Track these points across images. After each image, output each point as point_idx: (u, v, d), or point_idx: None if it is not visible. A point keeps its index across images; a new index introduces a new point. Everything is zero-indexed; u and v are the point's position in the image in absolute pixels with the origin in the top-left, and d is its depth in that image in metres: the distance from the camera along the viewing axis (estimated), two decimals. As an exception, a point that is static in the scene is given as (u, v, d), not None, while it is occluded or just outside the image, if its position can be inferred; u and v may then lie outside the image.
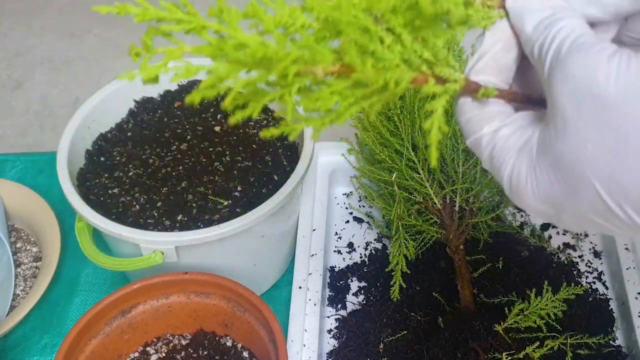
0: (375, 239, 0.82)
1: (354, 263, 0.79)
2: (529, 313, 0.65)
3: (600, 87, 0.26)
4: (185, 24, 0.30)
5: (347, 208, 0.86)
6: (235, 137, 0.78)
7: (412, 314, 0.70)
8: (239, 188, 0.72)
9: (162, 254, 0.66)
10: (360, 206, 0.85)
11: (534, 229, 0.80)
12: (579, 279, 0.76)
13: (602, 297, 0.74)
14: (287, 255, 0.79)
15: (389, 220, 0.78)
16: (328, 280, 0.77)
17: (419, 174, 0.71)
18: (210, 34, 0.30)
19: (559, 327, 0.66)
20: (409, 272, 0.72)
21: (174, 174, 0.74)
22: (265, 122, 0.80)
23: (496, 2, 0.33)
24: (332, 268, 0.78)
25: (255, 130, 0.79)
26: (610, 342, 0.69)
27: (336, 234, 0.83)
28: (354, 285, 0.77)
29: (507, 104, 0.33)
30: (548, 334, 0.65)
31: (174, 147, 0.77)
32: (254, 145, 0.77)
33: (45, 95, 1.89)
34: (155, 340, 0.70)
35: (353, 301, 0.75)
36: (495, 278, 0.73)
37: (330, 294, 0.76)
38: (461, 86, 0.31)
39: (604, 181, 0.26)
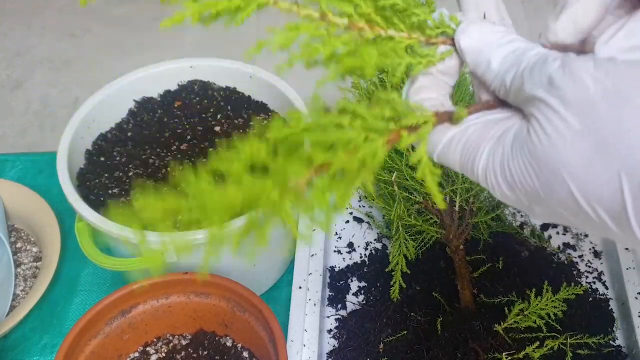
0: (375, 239, 0.82)
1: (354, 263, 0.79)
2: (529, 313, 0.65)
3: (585, 92, 0.27)
4: None
5: (347, 208, 0.86)
6: (235, 137, 0.78)
7: (412, 314, 0.70)
8: (239, 188, 0.72)
9: (163, 254, 0.66)
10: (360, 206, 0.85)
11: (534, 229, 0.80)
12: (579, 279, 0.76)
13: (602, 297, 0.74)
14: (287, 255, 0.79)
15: (389, 220, 0.78)
16: (328, 280, 0.77)
17: (419, 174, 0.71)
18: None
19: (559, 327, 0.66)
20: (409, 272, 0.72)
21: (174, 174, 0.74)
22: (265, 122, 0.80)
23: (439, 39, 0.33)
24: (332, 268, 0.78)
25: (256, 130, 0.79)
26: (610, 342, 0.69)
27: (336, 234, 0.83)
28: (354, 285, 0.77)
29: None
30: (548, 334, 0.65)
31: (174, 147, 0.77)
32: (254, 145, 0.77)
33: (45, 95, 1.89)
34: (155, 340, 0.70)
35: (353, 301, 0.75)
36: (495, 278, 0.73)
37: (330, 294, 0.76)
38: (433, 123, 0.32)
39: (579, 182, 0.27)
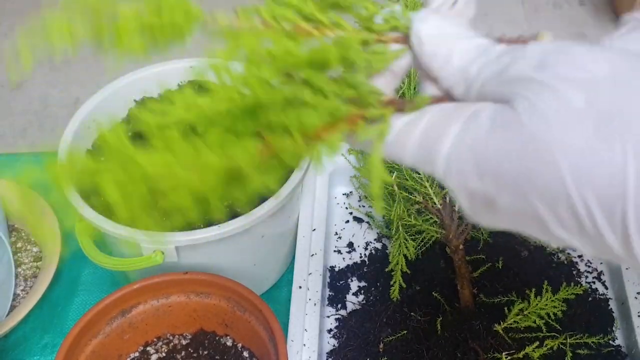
0: (375, 239, 0.82)
1: (354, 263, 0.79)
2: (529, 313, 0.65)
3: (587, 72, 0.25)
4: None
5: (347, 208, 0.86)
6: (235, 137, 0.78)
7: (412, 313, 0.71)
8: (239, 188, 0.72)
9: (163, 254, 0.66)
10: (360, 206, 0.85)
11: (533, 229, 0.80)
12: (579, 279, 0.76)
13: (601, 297, 0.75)
14: (287, 255, 0.79)
15: (389, 220, 0.78)
16: (328, 280, 0.77)
17: (419, 173, 0.71)
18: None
19: (559, 327, 0.66)
20: (408, 272, 0.72)
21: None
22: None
23: (390, 37, 0.31)
24: (332, 268, 0.78)
25: (255, 130, 0.79)
26: (610, 342, 0.70)
27: (336, 233, 0.83)
28: (354, 285, 0.77)
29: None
30: (548, 334, 0.65)
31: (174, 147, 0.77)
32: (254, 145, 0.77)
33: (45, 95, 1.89)
34: (155, 340, 0.70)
35: (353, 301, 0.75)
36: (495, 278, 0.73)
37: (330, 293, 0.76)
38: (391, 111, 0.29)
39: (573, 162, 0.24)
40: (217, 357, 0.68)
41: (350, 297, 0.76)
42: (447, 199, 0.71)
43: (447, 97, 0.30)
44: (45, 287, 0.75)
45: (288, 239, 0.78)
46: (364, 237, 0.82)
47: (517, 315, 0.65)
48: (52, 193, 0.90)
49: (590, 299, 0.73)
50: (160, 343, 0.70)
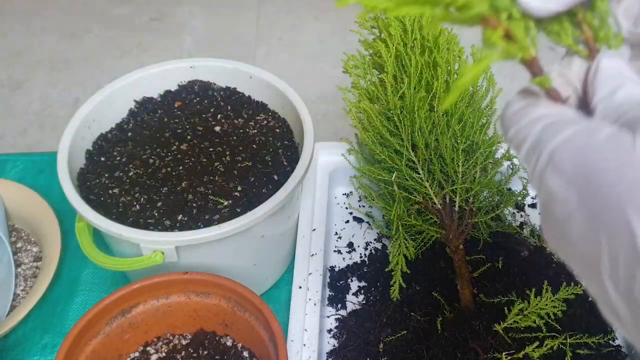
0: (375, 239, 0.82)
1: (354, 263, 0.79)
2: (529, 313, 0.65)
3: None
4: None
5: (347, 208, 0.86)
6: (235, 137, 0.78)
7: (412, 313, 0.71)
8: (239, 188, 0.72)
9: (163, 253, 0.66)
10: (360, 206, 0.85)
11: (533, 229, 0.80)
12: (579, 279, 0.76)
13: (601, 296, 0.74)
14: (287, 255, 0.79)
15: (389, 220, 0.78)
16: (328, 280, 0.77)
17: (419, 173, 0.71)
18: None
19: (559, 327, 0.66)
20: (408, 272, 0.72)
21: (174, 174, 0.74)
22: (265, 121, 0.80)
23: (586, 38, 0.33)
24: (332, 268, 0.78)
25: (255, 131, 0.79)
26: (610, 341, 0.70)
27: (336, 234, 0.83)
28: (354, 285, 0.77)
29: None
30: (548, 334, 0.65)
31: (174, 147, 0.77)
32: (254, 145, 0.77)
33: (45, 95, 1.89)
34: (155, 340, 0.70)
35: (353, 301, 0.75)
36: (495, 278, 0.73)
37: (330, 293, 0.76)
38: (525, 59, 0.30)
39: None
40: (217, 357, 0.68)
41: (350, 297, 0.76)
42: (447, 199, 0.71)
43: (575, 103, 0.32)
44: (45, 287, 0.75)
45: (288, 239, 0.78)
46: (364, 237, 0.82)
47: (517, 315, 0.65)
48: (52, 193, 0.91)
49: (590, 299, 0.73)
50: (160, 343, 0.70)
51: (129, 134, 0.79)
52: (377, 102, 0.72)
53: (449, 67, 0.70)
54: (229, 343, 0.69)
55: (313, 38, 2.01)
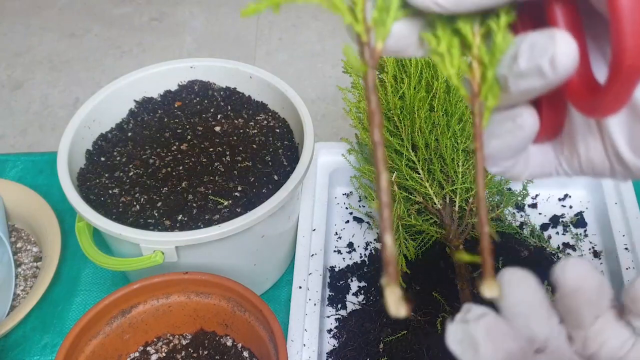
0: (375, 239, 0.82)
1: (354, 263, 0.79)
2: (529, 313, 0.65)
3: None
4: None
5: (347, 208, 0.86)
6: (235, 137, 0.78)
7: (412, 313, 0.71)
8: (239, 188, 0.72)
9: (163, 254, 0.66)
10: (360, 206, 0.85)
11: (533, 229, 0.80)
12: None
13: (601, 297, 0.74)
14: (287, 255, 0.79)
15: (388, 220, 0.78)
16: (328, 280, 0.77)
17: (419, 174, 0.71)
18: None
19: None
20: (409, 272, 0.72)
21: (174, 174, 0.74)
22: (265, 121, 0.80)
23: None
24: (332, 268, 0.78)
25: (256, 131, 0.79)
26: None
27: (336, 234, 0.83)
28: (354, 285, 0.77)
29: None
30: (548, 334, 0.65)
31: (174, 147, 0.77)
32: (254, 145, 0.77)
33: (46, 95, 1.89)
34: (155, 340, 0.70)
35: (353, 301, 0.75)
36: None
37: (330, 293, 0.76)
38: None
39: None
40: (217, 357, 0.68)
41: (350, 297, 0.76)
42: (447, 199, 0.71)
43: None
44: (45, 287, 0.75)
45: (288, 239, 0.78)
46: (364, 237, 0.82)
47: (517, 315, 0.65)
48: (52, 193, 0.91)
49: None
50: (160, 343, 0.70)
51: (129, 134, 0.79)
52: (377, 102, 0.72)
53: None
54: (229, 343, 0.69)
55: (313, 38, 2.01)
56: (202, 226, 0.68)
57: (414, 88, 0.69)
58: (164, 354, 0.69)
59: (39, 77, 1.96)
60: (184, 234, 0.65)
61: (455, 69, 0.27)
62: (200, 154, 0.76)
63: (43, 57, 2.02)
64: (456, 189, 0.71)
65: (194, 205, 0.70)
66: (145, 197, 0.71)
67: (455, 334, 0.30)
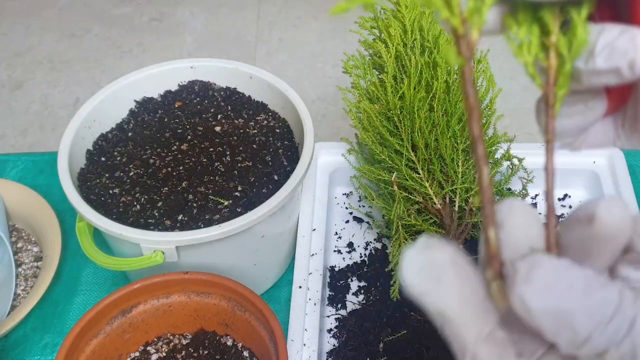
0: (375, 239, 0.82)
1: (354, 263, 0.79)
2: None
3: None
4: None
5: (347, 208, 0.86)
6: (235, 137, 0.78)
7: (412, 313, 0.71)
8: (239, 188, 0.72)
9: (163, 253, 0.66)
10: (360, 206, 0.86)
11: (533, 229, 0.80)
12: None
13: (601, 296, 0.75)
14: (287, 255, 0.79)
15: (389, 220, 0.78)
16: (328, 279, 0.77)
17: (419, 174, 0.71)
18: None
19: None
20: (408, 271, 0.72)
21: (174, 174, 0.74)
22: (265, 122, 0.80)
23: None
24: (332, 268, 0.79)
25: (256, 131, 0.79)
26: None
27: (336, 233, 0.83)
28: (354, 285, 0.77)
29: None
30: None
31: (175, 147, 0.77)
32: (254, 145, 0.77)
33: (46, 96, 1.89)
34: (155, 339, 0.70)
35: (353, 301, 0.75)
36: (495, 278, 0.73)
37: (330, 293, 0.76)
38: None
39: None
40: (217, 357, 0.68)
41: (350, 297, 0.76)
42: (447, 199, 0.71)
43: None
44: (45, 287, 0.75)
45: (288, 239, 0.78)
46: (364, 237, 0.82)
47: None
48: (52, 193, 0.91)
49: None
50: (160, 343, 0.70)
51: (129, 134, 0.79)
52: (377, 102, 0.72)
53: (448, 68, 0.70)
54: (229, 343, 0.69)
55: (313, 38, 2.01)
56: (202, 226, 0.68)
57: (414, 88, 0.69)
58: (164, 354, 0.69)
59: (39, 77, 1.96)
60: (184, 234, 0.65)
61: (532, 57, 0.27)
62: (201, 154, 0.76)
63: (43, 57, 2.02)
64: (456, 189, 0.71)
65: (194, 205, 0.70)
66: (146, 197, 0.71)
67: (414, 261, 0.26)
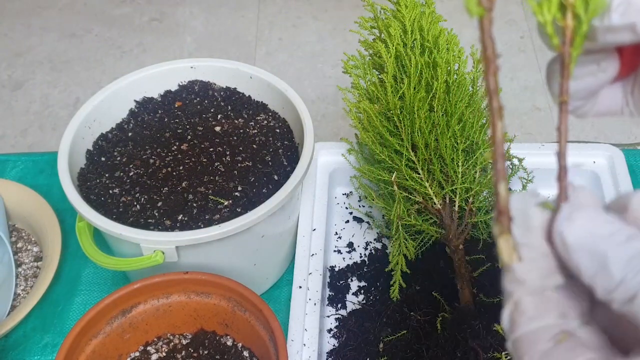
0: (375, 239, 0.82)
1: (354, 263, 0.79)
2: (529, 312, 0.65)
3: None
4: None
5: (347, 208, 0.86)
6: (235, 137, 0.78)
7: (411, 313, 0.71)
8: (239, 188, 0.72)
9: (163, 253, 0.66)
10: (360, 206, 0.86)
11: (533, 229, 0.80)
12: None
13: (601, 296, 0.75)
14: (287, 255, 0.79)
15: (389, 220, 0.78)
16: (328, 279, 0.77)
17: (419, 174, 0.71)
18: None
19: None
20: (408, 271, 0.73)
21: (174, 174, 0.74)
22: (265, 122, 0.80)
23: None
24: (332, 268, 0.79)
25: (256, 131, 0.79)
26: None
27: (336, 233, 0.83)
28: (354, 284, 0.77)
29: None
30: (547, 334, 0.65)
31: (175, 147, 0.77)
32: (254, 145, 0.77)
33: (46, 96, 1.89)
34: (155, 339, 0.70)
35: (353, 301, 0.75)
36: (495, 278, 0.73)
37: (330, 293, 0.76)
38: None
39: None
40: (217, 357, 0.68)
41: (350, 297, 0.76)
42: (447, 199, 0.71)
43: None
44: (45, 287, 0.75)
45: (288, 239, 0.78)
46: (364, 237, 0.82)
47: (517, 315, 0.65)
48: (52, 193, 0.91)
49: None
50: (160, 343, 0.70)
51: (129, 134, 0.79)
52: (377, 102, 0.72)
53: (449, 68, 0.70)
54: (229, 343, 0.69)
55: (313, 38, 2.01)
56: (202, 226, 0.68)
57: (414, 88, 0.69)
58: (164, 354, 0.69)
59: (39, 77, 1.96)
60: (184, 234, 0.65)
61: (551, 16, 0.27)
62: (201, 154, 0.76)
63: (43, 57, 2.02)
64: (456, 189, 0.71)
65: (194, 205, 0.70)
66: (146, 197, 0.71)
67: (519, 200, 0.27)
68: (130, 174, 0.74)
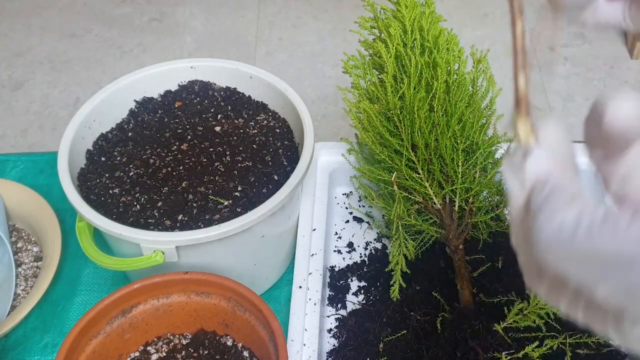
0: (375, 239, 0.82)
1: (354, 263, 0.79)
2: (528, 312, 0.65)
3: None
4: None
5: (347, 208, 0.86)
6: (235, 137, 0.78)
7: (411, 313, 0.71)
8: (239, 188, 0.72)
9: (163, 253, 0.66)
10: (360, 206, 0.86)
11: (533, 229, 0.80)
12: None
13: (601, 296, 0.74)
14: (287, 255, 0.79)
15: (389, 220, 0.78)
16: (328, 279, 0.77)
17: (419, 173, 0.71)
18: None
19: (559, 327, 0.66)
20: (408, 271, 0.73)
21: (174, 174, 0.74)
22: (265, 122, 0.80)
23: None
24: (332, 268, 0.79)
25: (256, 131, 0.79)
26: (610, 342, 0.70)
27: (336, 233, 0.83)
28: (354, 284, 0.77)
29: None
30: (547, 334, 0.65)
31: (175, 147, 0.77)
32: (254, 145, 0.77)
33: (46, 96, 1.89)
34: (155, 339, 0.70)
35: (353, 301, 0.75)
36: (495, 278, 0.73)
37: (330, 293, 0.76)
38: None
39: None
40: (217, 357, 0.68)
41: (350, 297, 0.76)
42: (447, 199, 0.71)
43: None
44: (45, 286, 0.75)
45: (288, 239, 0.78)
46: (364, 237, 0.82)
47: (517, 315, 0.65)
48: (52, 193, 0.91)
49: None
50: (160, 343, 0.70)
51: (129, 134, 0.79)
52: (377, 102, 0.72)
53: (449, 67, 0.70)
54: (229, 343, 0.69)
55: (313, 38, 2.01)
56: (202, 226, 0.68)
57: (414, 88, 0.69)
58: (164, 354, 0.69)
59: (39, 77, 1.96)
60: (184, 234, 0.65)
61: None
62: (201, 154, 0.76)
63: (43, 57, 2.02)
64: (456, 189, 0.71)
65: (194, 205, 0.70)
66: (146, 197, 0.71)
67: (510, 165, 0.29)
68: (130, 174, 0.74)
